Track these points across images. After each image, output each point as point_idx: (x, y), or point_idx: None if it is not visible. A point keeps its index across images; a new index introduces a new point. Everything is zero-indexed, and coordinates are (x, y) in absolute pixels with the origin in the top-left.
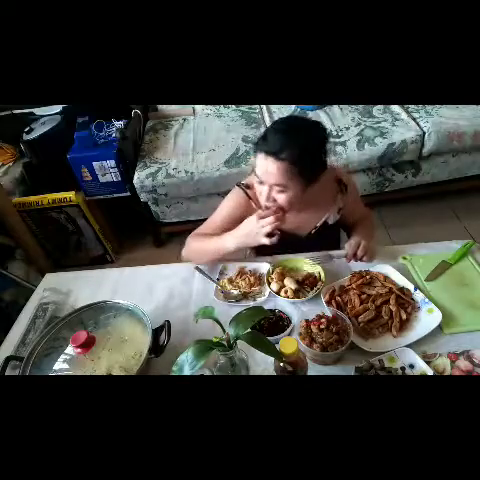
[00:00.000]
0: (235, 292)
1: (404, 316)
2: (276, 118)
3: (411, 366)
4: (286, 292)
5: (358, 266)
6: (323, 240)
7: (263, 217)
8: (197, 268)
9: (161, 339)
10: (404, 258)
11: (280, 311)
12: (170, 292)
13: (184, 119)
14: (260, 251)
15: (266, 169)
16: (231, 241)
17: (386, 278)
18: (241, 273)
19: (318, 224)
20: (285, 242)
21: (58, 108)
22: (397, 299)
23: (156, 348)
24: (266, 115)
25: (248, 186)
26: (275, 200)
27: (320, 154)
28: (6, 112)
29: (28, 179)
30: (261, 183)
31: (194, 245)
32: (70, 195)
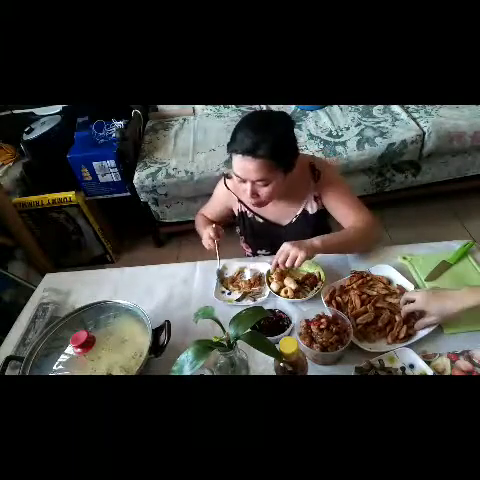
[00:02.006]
0: (235, 292)
1: (402, 334)
2: None
3: (411, 366)
4: (286, 292)
5: (358, 266)
6: (309, 231)
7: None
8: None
9: (161, 339)
10: (404, 258)
11: (280, 311)
12: (170, 292)
13: (184, 119)
14: (254, 244)
15: (245, 168)
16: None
17: (390, 282)
18: (241, 273)
19: (297, 213)
20: (269, 232)
21: (58, 108)
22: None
23: (156, 348)
24: None
25: (228, 176)
26: (258, 195)
27: (291, 143)
28: (6, 112)
29: (28, 179)
30: (243, 181)
31: (196, 222)
32: (70, 195)
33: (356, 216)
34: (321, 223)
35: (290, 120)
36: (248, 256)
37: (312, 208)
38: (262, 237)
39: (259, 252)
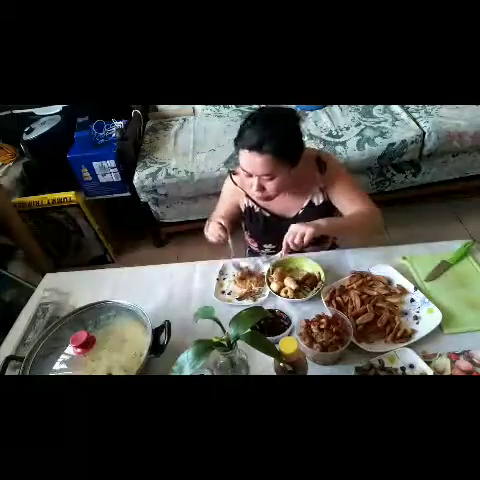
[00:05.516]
0: (235, 292)
1: (399, 333)
2: None
3: (411, 366)
4: (286, 292)
5: (358, 266)
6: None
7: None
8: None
9: (161, 339)
10: (404, 258)
11: (280, 311)
12: (170, 292)
13: (184, 119)
14: (260, 239)
15: (252, 163)
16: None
17: (390, 282)
18: (241, 273)
19: (304, 205)
20: (276, 226)
21: (58, 108)
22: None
23: (156, 348)
24: None
25: (234, 172)
26: (264, 188)
27: (297, 138)
28: (6, 112)
29: (28, 179)
30: (249, 176)
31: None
32: (70, 195)
33: (360, 206)
34: (328, 215)
35: (297, 116)
36: (251, 250)
37: (318, 200)
38: (269, 231)
39: (265, 246)
